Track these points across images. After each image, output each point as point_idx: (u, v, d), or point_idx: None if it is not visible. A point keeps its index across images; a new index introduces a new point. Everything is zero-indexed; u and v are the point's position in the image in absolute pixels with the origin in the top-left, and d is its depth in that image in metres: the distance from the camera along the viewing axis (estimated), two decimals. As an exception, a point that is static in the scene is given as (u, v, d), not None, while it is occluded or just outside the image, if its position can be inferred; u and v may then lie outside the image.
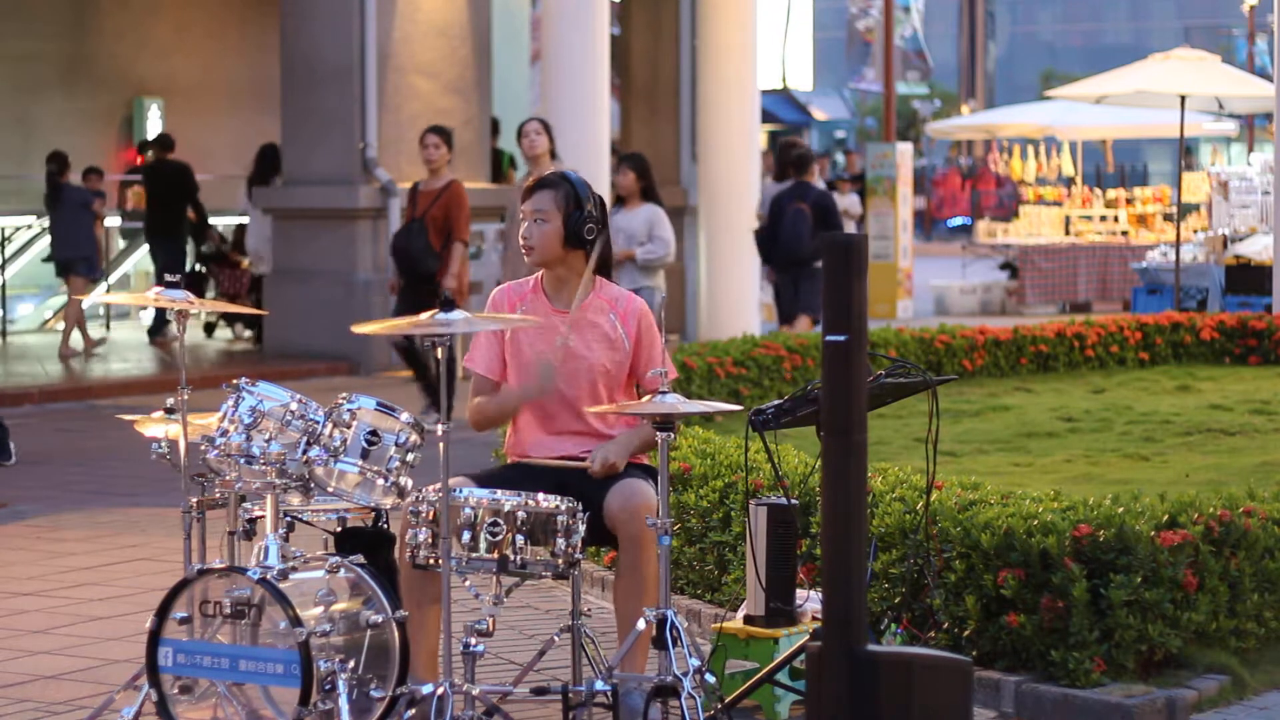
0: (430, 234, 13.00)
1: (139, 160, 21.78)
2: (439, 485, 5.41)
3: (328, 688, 5.33)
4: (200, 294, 18.59)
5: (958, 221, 43.30)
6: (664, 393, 5.46)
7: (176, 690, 5.52)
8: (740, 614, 6.11)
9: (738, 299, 18.61)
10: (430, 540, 5.44)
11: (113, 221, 21.35)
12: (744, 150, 18.73)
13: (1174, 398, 12.30)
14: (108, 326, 20.68)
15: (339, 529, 5.88)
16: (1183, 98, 18.12)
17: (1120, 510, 6.20)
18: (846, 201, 25.16)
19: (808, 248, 14.76)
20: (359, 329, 5.75)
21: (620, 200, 12.73)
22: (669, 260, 12.65)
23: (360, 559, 5.61)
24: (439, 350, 5.40)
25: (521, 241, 5.97)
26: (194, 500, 5.92)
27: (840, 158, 37.93)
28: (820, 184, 16.37)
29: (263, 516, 5.72)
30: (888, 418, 10.52)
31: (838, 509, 4.83)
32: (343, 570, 5.57)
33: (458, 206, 13.09)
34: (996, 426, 10.89)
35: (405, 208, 13.44)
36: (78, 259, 17.88)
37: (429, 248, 12.98)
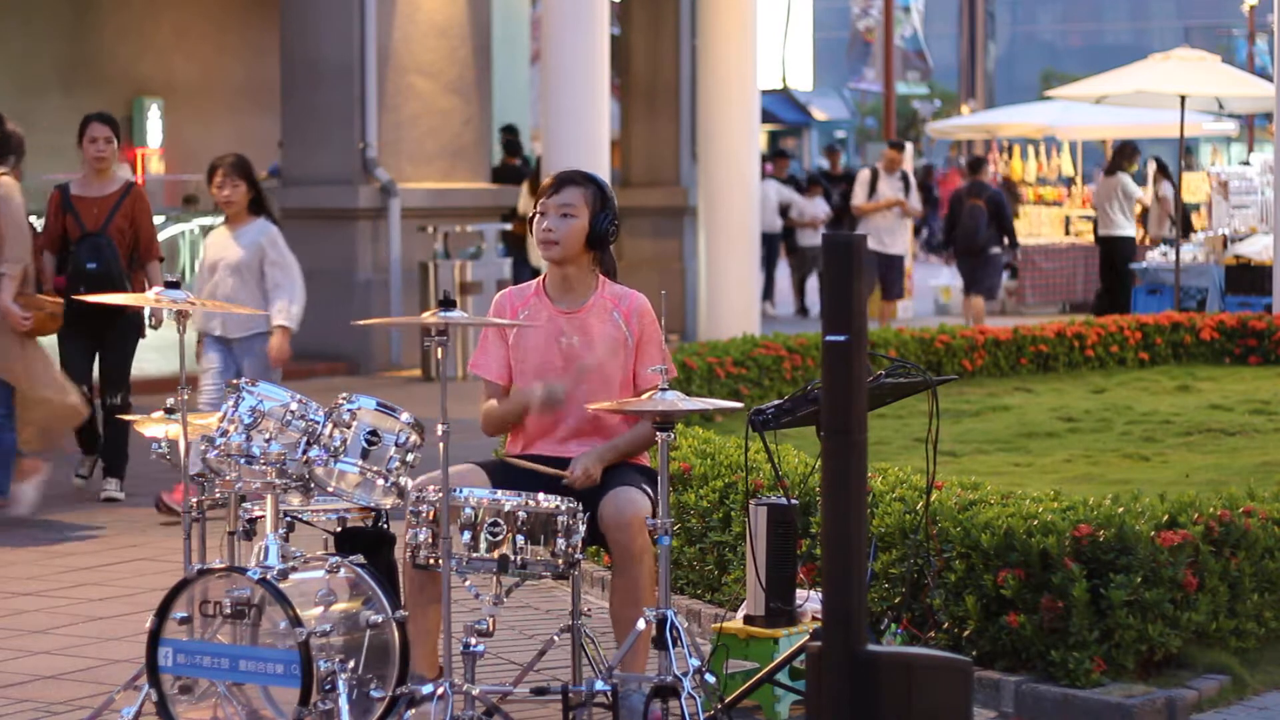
0: (121, 252, 10.13)
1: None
2: (439, 484, 5.41)
3: (328, 688, 5.33)
4: None
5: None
6: (663, 390, 5.46)
7: (176, 690, 5.52)
8: (740, 614, 6.11)
9: (738, 299, 18.57)
10: (430, 540, 5.44)
11: None
12: (744, 150, 18.69)
13: (1174, 398, 12.30)
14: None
15: (339, 529, 5.89)
16: (1183, 98, 18.11)
17: (1120, 510, 6.20)
18: (814, 208, 25.02)
19: (982, 238, 18.51)
20: (361, 322, 6.20)
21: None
22: (301, 304, 9.96)
23: (360, 559, 5.62)
24: (439, 350, 5.41)
25: (545, 235, 5.87)
26: (194, 500, 5.93)
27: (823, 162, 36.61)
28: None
29: (263, 516, 5.72)
30: (888, 418, 10.52)
31: (838, 509, 4.83)
32: (343, 570, 5.58)
33: (146, 214, 10.26)
34: (996, 426, 10.89)
35: (53, 217, 10.21)
36: None
37: (125, 272, 10.09)
